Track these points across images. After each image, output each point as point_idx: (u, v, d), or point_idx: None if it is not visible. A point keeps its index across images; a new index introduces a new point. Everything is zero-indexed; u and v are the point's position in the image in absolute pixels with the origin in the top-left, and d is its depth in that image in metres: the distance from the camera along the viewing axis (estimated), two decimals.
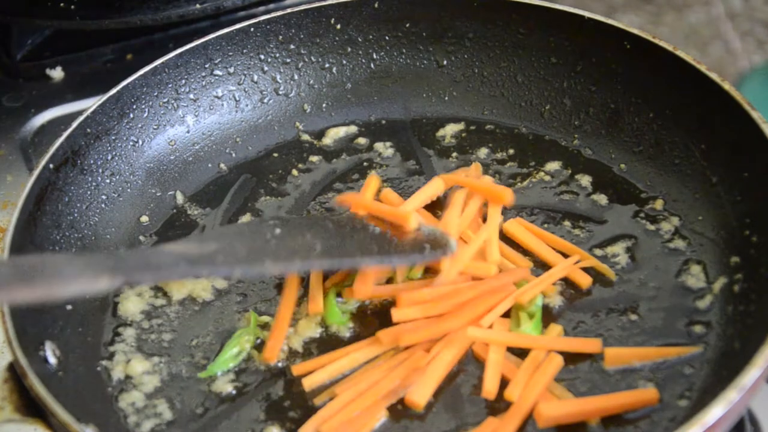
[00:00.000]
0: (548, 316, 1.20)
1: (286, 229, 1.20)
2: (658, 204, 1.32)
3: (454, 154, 1.43)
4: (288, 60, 1.51)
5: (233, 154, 1.47)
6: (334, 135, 1.49)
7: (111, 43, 1.78)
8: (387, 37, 1.52)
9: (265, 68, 1.51)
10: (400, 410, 1.12)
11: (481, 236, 1.25)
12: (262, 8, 1.78)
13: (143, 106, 1.42)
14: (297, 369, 1.17)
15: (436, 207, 1.34)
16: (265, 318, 1.24)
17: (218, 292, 1.28)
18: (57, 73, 1.74)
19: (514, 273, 1.23)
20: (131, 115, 1.41)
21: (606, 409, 1.09)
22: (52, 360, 1.14)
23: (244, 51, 1.49)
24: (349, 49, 1.52)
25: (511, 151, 1.43)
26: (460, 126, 1.48)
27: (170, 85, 1.45)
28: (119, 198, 1.38)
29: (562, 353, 1.15)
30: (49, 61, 1.76)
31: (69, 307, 1.22)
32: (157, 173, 1.42)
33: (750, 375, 0.98)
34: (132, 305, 1.26)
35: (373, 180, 1.36)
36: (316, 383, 1.16)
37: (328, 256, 1.18)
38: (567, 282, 1.23)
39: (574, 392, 1.11)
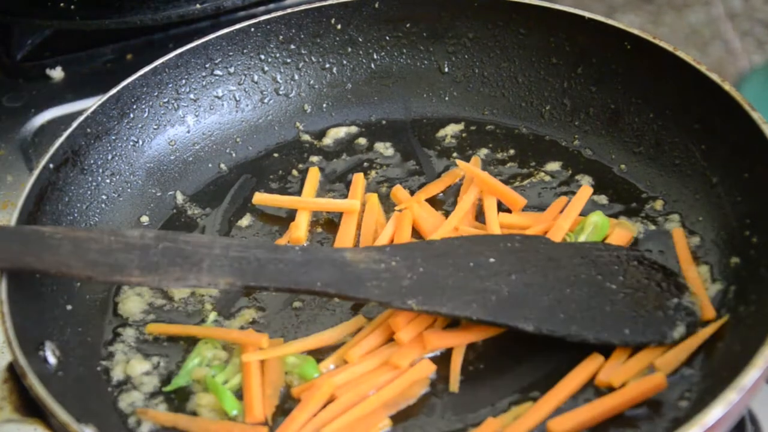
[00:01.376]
0: None
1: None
2: (658, 204, 1.32)
3: (455, 155, 1.43)
4: (288, 60, 1.51)
5: (233, 154, 1.47)
6: (334, 135, 1.49)
7: (111, 43, 1.78)
8: (387, 38, 1.52)
9: (266, 68, 1.51)
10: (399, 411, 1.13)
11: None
12: (262, 8, 1.78)
13: (143, 106, 1.42)
14: (297, 391, 1.15)
15: (437, 204, 1.35)
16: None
17: (221, 290, 1.28)
18: (57, 73, 1.74)
19: None
20: (131, 115, 1.41)
21: (617, 407, 1.08)
22: (52, 360, 1.13)
23: (245, 51, 1.49)
24: (350, 49, 1.52)
25: (512, 152, 1.43)
26: (461, 126, 1.48)
27: (170, 85, 1.45)
28: (119, 198, 1.38)
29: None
30: (49, 61, 1.75)
31: (69, 307, 1.22)
32: (157, 173, 1.42)
33: (750, 375, 0.98)
34: (132, 305, 1.26)
35: (358, 179, 1.39)
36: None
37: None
38: None
39: (577, 395, 1.11)
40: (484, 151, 1.43)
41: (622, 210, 1.32)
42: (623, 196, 1.34)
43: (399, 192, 1.37)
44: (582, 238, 1.25)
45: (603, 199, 1.34)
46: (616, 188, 1.35)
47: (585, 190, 1.31)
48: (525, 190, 1.36)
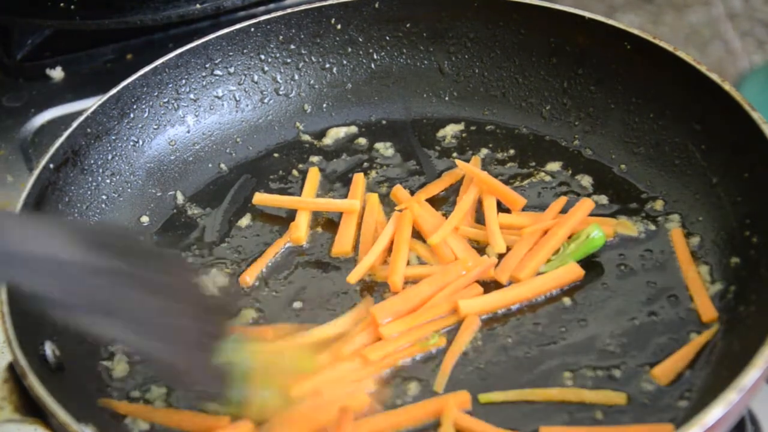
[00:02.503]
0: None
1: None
2: (659, 204, 1.32)
3: (455, 155, 1.43)
4: (288, 60, 1.51)
5: (233, 154, 1.47)
6: (334, 135, 1.49)
7: (111, 43, 1.77)
8: (387, 37, 1.52)
9: (266, 68, 1.51)
10: None
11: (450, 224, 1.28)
12: (262, 8, 1.77)
13: (143, 106, 1.42)
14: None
15: (437, 204, 1.35)
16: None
17: (219, 289, 1.28)
18: (57, 73, 1.74)
19: (477, 263, 1.25)
20: (131, 115, 1.41)
21: None
22: (52, 360, 1.14)
23: (245, 51, 1.49)
24: (350, 50, 1.52)
25: (512, 152, 1.43)
26: (461, 126, 1.48)
27: (170, 85, 1.44)
28: (119, 198, 1.38)
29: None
30: (49, 61, 1.75)
31: None
32: (157, 173, 1.42)
33: (750, 376, 0.98)
34: None
35: (358, 179, 1.39)
36: None
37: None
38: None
39: (581, 413, 1.11)
40: (484, 151, 1.43)
41: (622, 210, 1.32)
42: (623, 196, 1.34)
43: (399, 192, 1.37)
44: (572, 247, 1.25)
45: (603, 199, 1.34)
46: (616, 188, 1.35)
47: (586, 203, 1.30)
48: (525, 190, 1.36)
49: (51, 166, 1.28)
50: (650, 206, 1.32)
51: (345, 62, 1.53)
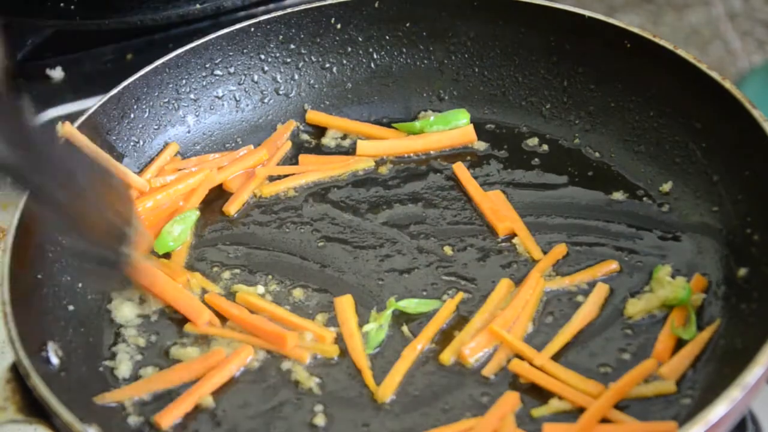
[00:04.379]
0: None
1: None
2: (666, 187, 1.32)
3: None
4: (288, 60, 1.51)
5: None
6: (334, 135, 1.49)
7: (111, 43, 1.77)
8: (387, 37, 1.52)
9: (266, 68, 1.51)
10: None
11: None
12: (262, 8, 1.77)
13: (144, 107, 1.42)
14: None
15: None
16: None
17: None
18: (57, 73, 1.74)
19: None
20: (132, 116, 1.41)
21: None
22: (55, 360, 1.14)
23: (245, 51, 1.49)
24: (350, 49, 1.52)
25: (512, 151, 1.43)
26: None
27: (171, 86, 1.45)
28: None
29: None
30: (49, 61, 1.75)
31: (71, 307, 1.22)
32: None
33: (753, 373, 0.99)
34: (127, 310, 1.25)
35: None
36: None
37: None
38: None
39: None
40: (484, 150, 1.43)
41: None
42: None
43: None
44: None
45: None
46: (617, 187, 1.35)
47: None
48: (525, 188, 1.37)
49: None
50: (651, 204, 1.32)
51: (345, 62, 1.53)
